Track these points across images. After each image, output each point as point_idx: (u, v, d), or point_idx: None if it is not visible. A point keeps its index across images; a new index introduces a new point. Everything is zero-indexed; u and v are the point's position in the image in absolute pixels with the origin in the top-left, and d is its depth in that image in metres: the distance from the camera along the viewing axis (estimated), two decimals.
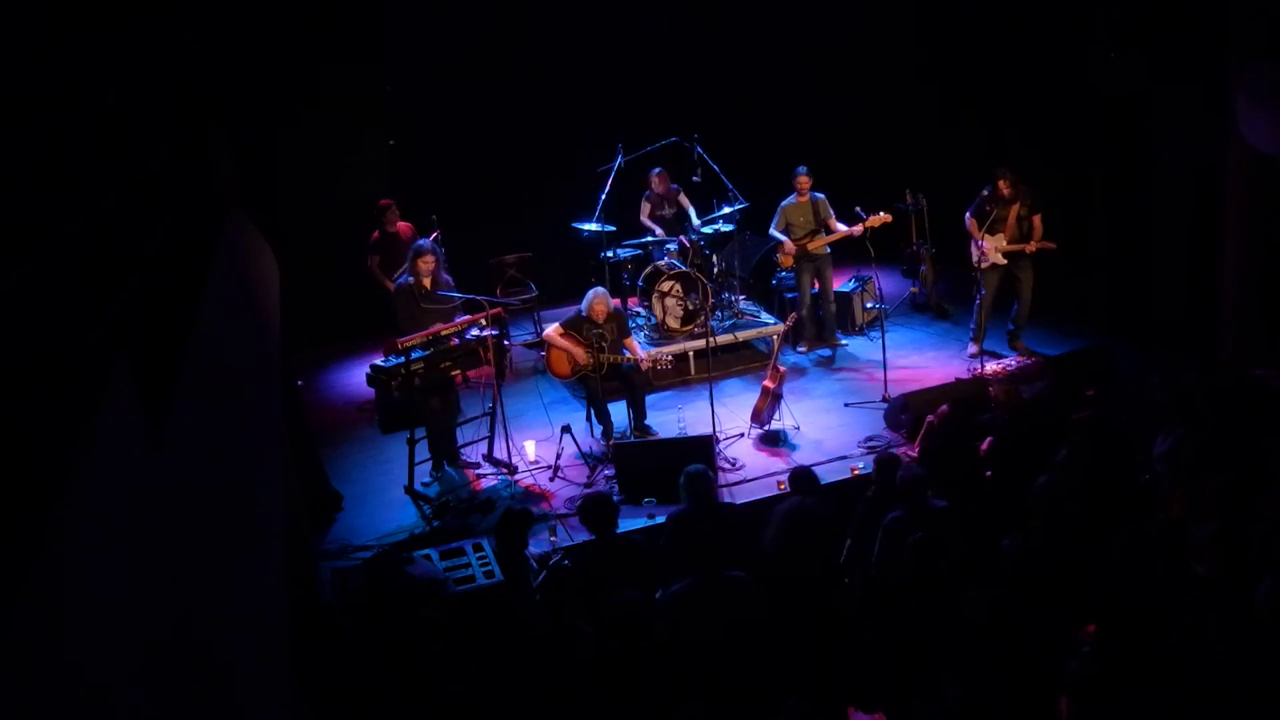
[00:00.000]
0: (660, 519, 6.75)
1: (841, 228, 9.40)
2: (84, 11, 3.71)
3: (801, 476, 6.19)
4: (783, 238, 9.59)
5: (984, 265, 9.16)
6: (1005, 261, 9.06)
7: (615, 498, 7.00)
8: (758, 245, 10.66)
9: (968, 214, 9.28)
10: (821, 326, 9.98)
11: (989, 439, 6.84)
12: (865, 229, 9.18)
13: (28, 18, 3.12)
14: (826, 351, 9.92)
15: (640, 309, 10.00)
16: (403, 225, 9.67)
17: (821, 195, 9.54)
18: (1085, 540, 5.36)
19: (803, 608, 5.52)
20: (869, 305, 10.41)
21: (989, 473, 6.54)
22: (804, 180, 9.49)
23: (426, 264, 7.90)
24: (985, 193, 9.15)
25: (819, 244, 9.54)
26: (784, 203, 9.60)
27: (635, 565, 5.71)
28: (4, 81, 2.77)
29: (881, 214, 9.31)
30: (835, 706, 5.25)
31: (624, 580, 5.30)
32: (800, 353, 9.87)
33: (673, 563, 5.68)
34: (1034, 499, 5.72)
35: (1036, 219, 9.01)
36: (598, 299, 8.01)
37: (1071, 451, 6.00)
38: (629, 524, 6.81)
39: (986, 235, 9.12)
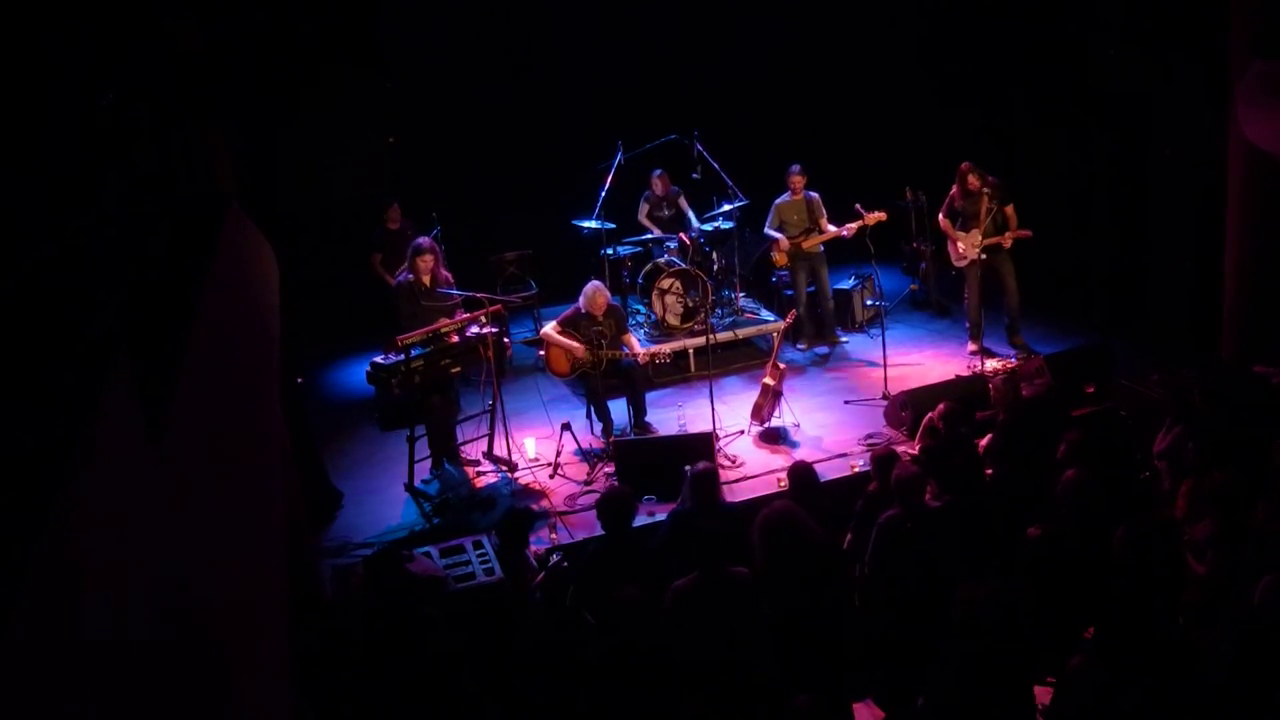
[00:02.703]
0: (660, 517, 6.75)
1: (831, 229, 9.41)
2: (84, 11, 3.72)
3: (799, 471, 6.19)
4: (777, 235, 9.61)
5: (962, 263, 9.17)
6: (983, 257, 9.04)
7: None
8: (758, 242, 10.66)
9: (940, 215, 9.31)
10: (820, 324, 9.98)
11: (989, 436, 6.84)
12: (859, 228, 9.19)
13: (27, 18, 3.12)
14: (826, 349, 9.93)
15: (640, 306, 10.00)
16: (404, 222, 9.68)
17: (815, 195, 9.55)
18: (1086, 538, 5.37)
19: (800, 607, 5.52)
20: (869, 302, 10.41)
21: (989, 470, 6.55)
22: (796, 179, 9.50)
23: (425, 262, 7.91)
24: (953, 190, 9.16)
25: (813, 242, 9.55)
26: (778, 200, 9.63)
27: (638, 563, 5.71)
28: (4, 82, 2.77)
29: (876, 212, 9.31)
30: (842, 704, 5.25)
31: (626, 578, 5.30)
32: (800, 350, 9.87)
33: (674, 561, 5.68)
34: (1035, 497, 5.72)
35: (1009, 209, 9.00)
36: (597, 292, 8.01)
37: (1076, 447, 6.00)
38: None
39: (961, 233, 9.13)
